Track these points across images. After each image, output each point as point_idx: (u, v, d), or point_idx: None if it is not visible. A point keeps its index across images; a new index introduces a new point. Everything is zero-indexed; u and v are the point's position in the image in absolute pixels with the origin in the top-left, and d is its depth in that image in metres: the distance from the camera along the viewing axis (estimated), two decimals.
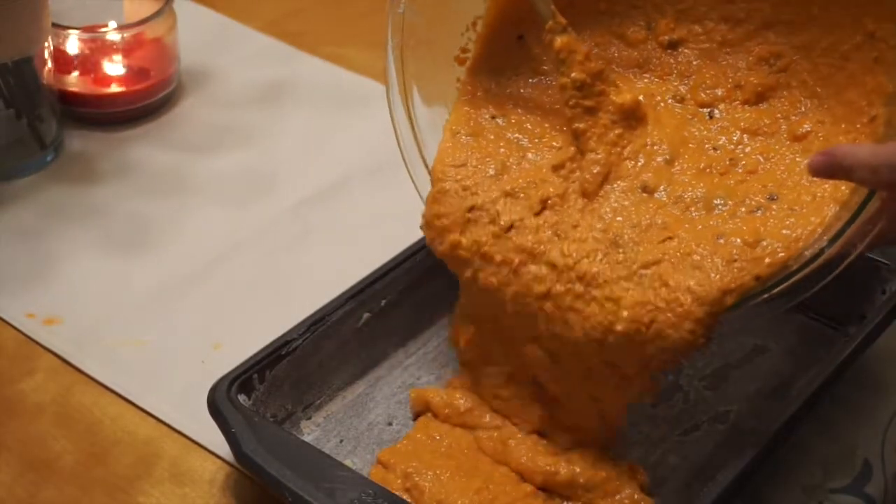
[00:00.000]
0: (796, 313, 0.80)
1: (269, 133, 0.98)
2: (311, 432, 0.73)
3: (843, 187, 0.65)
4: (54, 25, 0.92)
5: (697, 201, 0.68)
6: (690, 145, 0.71)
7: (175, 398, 0.75)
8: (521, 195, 0.70)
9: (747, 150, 0.70)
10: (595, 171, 0.70)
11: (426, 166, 0.73)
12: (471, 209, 0.70)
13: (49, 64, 0.92)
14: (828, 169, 0.59)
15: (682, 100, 0.72)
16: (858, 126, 0.66)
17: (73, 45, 0.95)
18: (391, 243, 0.79)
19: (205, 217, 0.90)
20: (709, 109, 0.72)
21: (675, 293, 0.64)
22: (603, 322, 0.65)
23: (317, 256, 0.86)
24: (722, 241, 0.66)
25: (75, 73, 0.96)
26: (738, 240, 0.65)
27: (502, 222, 0.69)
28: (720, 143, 0.70)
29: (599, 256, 0.67)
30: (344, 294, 0.75)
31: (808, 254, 0.64)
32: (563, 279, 0.67)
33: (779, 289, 0.64)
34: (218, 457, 0.72)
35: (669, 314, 0.64)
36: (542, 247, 0.68)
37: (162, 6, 0.97)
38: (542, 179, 0.70)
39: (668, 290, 0.64)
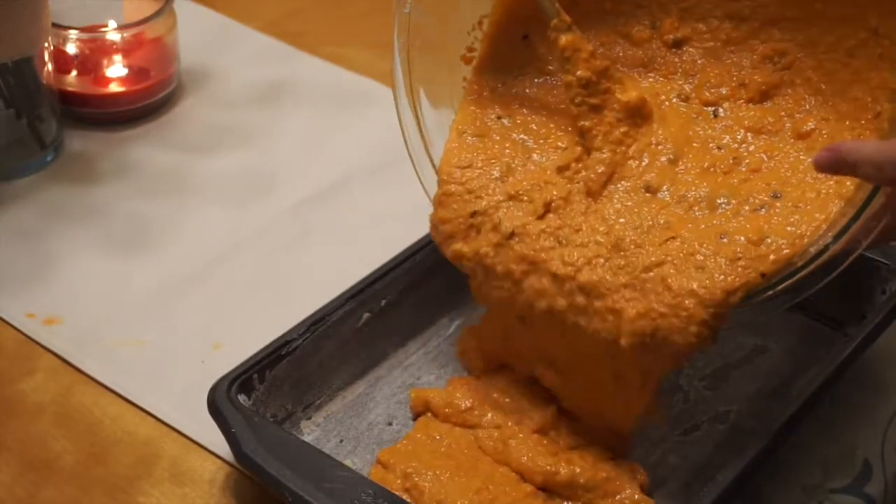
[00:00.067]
0: (796, 313, 0.80)
1: (269, 133, 0.98)
2: (311, 432, 0.73)
3: (848, 183, 0.65)
4: (54, 25, 0.92)
5: (701, 200, 0.68)
6: (694, 144, 0.71)
7: (175, 398, 0.75)
8: (525, 198, 0.70)
9: (751, 148, 0.70)
10: (600, 170, 0.70)
11: (433, 166, 0.73)
12: (473, 214, 0.70)
13: (49, 64, 0.91)
14: (833, 165, 0.59)
15: (686, 99, 0.72)
16: (863, 122, 0.66)
17: (72, 45, 0.95)
18: (391, 243, 0.79)
19: (205, 217, 0.89)
20: (713, 108, 0.72)
21: (678, 298, 0.64)
22: (607, 339, 0.66)
23: (317, 256, 0.86)
24: (725, 239, 0.65)
25: (75, 73, 0.96)
26: (742, 238, 0.65)
27: (504, 229, 0.69)
28: (724, 141, 0.70)
29: (601, 262, 0.67)
30: (344, 294, 0.75)
31: (812, 250, 0.64)
32: (564, 291, 0.67)
33: (783, 285, 0.64)
34: (218, 457, 0.72)
35: (674, 319, 0.64)
36: (543, 255, 0.68)
37: (162, 6, 0.97)
38: (547, 182, 0.70)
39: (671, 295, 0.64)
